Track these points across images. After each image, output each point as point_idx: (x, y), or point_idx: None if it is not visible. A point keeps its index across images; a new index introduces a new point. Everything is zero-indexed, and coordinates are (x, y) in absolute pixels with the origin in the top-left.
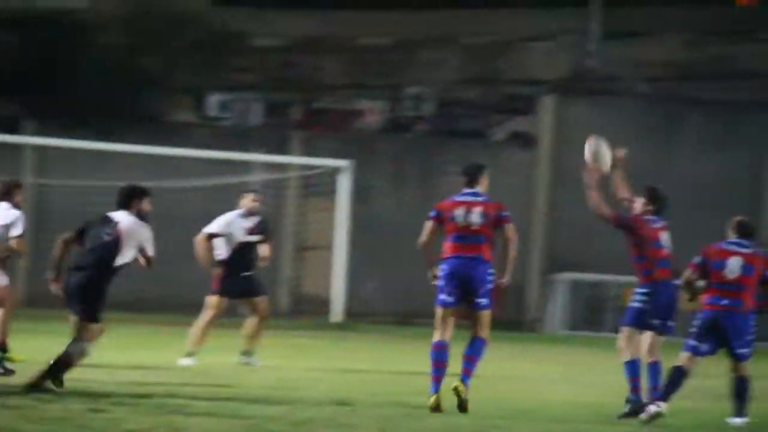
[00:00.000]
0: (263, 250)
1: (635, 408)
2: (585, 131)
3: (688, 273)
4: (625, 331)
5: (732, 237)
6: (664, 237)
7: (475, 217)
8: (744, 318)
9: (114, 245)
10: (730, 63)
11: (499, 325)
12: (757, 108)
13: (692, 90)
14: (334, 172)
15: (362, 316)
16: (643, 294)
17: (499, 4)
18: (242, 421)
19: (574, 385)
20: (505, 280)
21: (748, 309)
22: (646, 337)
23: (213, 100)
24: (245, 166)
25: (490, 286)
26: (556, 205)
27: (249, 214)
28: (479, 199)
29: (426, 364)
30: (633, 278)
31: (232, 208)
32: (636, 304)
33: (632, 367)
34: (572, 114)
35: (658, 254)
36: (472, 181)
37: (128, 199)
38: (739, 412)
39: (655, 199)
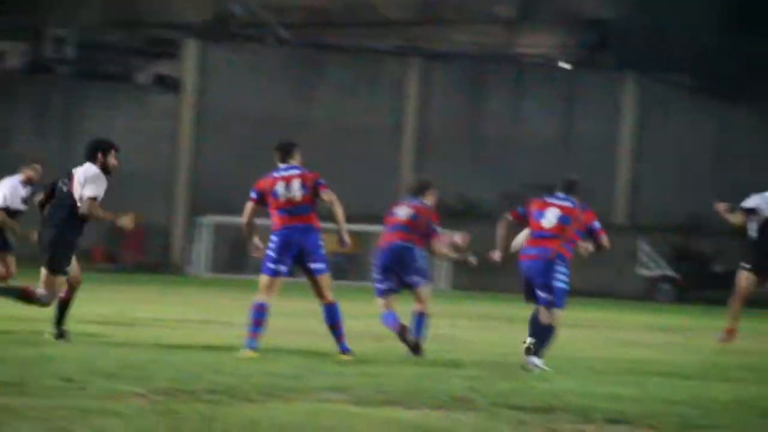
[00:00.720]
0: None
1: None
2: (228, 76)
3: (507, 217)
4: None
5: (557, 192)
6: (402, 209)
7: (296, 189)
8: (551, 265)
9: (71, 197)
10: (368, 10)
11: (145, 267)
12: (395, 55)
13: (333, 37)
14: None
15: None
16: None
17: None
18: None
19: (216, 327)
20: (346, 239)
21: (555, 257)
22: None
23: None
24: None
25: (322, 251)
26: (200, 149)
27: (27, 182)
28: (296, 171)
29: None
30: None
31: None
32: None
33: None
34: (216, 59)
35: (390, 221)
36: (286, 156)
37: (92, 152)
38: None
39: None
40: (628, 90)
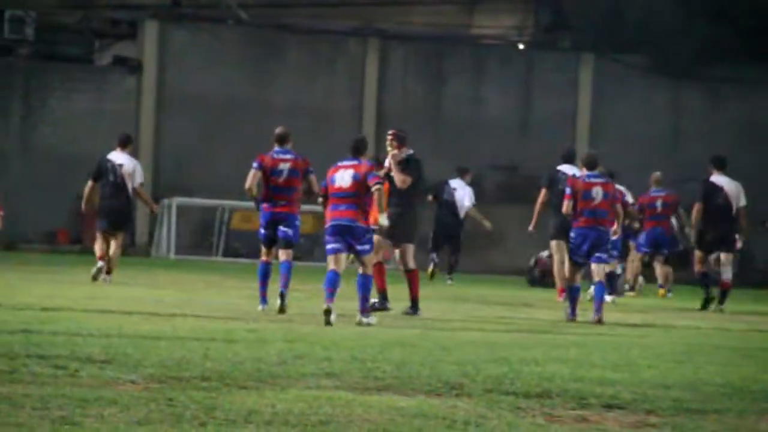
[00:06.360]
0: None
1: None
2: (188, 57)
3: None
4: None
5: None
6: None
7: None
8: (360, 226)
9: None
10: None
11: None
12: (354, 36)
13: (291, 17)
14: None
15: None
16: None
17: None
18: None
19: (194, 307)
20: None
21: (364, 217)
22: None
23: None
24: None
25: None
26: (161, 131)
27: None
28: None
29: None
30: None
31: None
32: None
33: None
34: (175, 40)
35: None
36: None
37: None
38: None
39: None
40: (584, 70)
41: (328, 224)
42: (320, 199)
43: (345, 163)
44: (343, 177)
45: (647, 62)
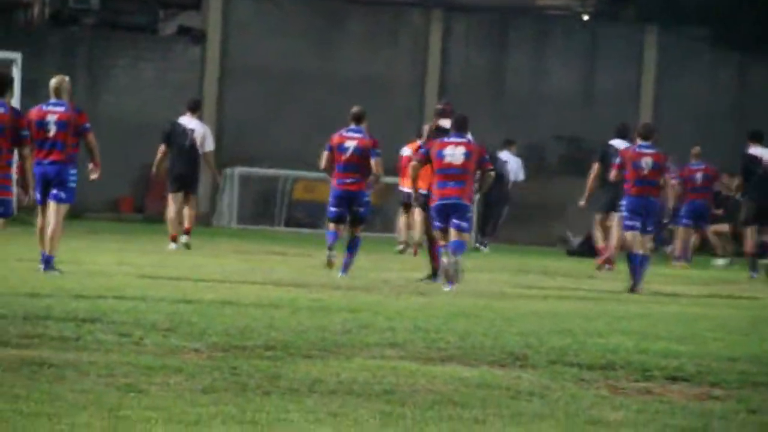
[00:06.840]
0: None
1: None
2: (251, 28)
3: (414, 162)
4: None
5: (452, 132)
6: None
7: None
8: (465, 205)
9: None
10: None
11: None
12: (417, 6)
13: None
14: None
15: None
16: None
17: None
18: None
19: (257, 276)
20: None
21: (469, 191)
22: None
23: None
24: None
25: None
26: (225, 101)
27: None
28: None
29: None
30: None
31: None
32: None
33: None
34: (238, 10)
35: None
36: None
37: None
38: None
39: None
40: (649, 42)
41: (435, 203)
42: (414, 161)
43: (452, 139)
44: (453, 154)
45: (713, 35)
